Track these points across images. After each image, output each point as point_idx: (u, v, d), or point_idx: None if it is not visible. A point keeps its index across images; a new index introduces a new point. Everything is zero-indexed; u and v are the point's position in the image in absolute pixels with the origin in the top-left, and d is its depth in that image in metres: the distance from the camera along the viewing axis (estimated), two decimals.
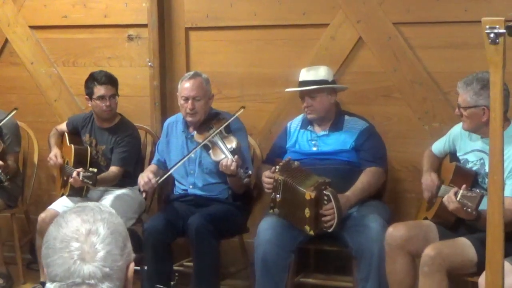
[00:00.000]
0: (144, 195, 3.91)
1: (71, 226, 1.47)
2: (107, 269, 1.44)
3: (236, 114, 3.85)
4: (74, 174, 3.79)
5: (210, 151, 3.77)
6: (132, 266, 1.51)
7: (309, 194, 3.44)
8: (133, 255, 1.53)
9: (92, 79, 4.14)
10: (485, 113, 3.18)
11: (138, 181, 3.87)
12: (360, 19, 4.06)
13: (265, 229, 3.60)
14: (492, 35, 2.11)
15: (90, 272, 1.43)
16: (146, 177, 3.83)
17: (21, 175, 4.54)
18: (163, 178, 3.85)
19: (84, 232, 1.46)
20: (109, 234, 1.47)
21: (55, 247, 1.46)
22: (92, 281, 1.43)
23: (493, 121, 2.21)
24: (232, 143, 3.73)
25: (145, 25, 4.49)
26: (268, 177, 3.66)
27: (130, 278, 1.50)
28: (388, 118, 4.10)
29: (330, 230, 3.48)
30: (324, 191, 3.47)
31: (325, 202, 3.46)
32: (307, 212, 3.46)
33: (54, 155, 4.20)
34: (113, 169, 4.11)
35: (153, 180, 3.79)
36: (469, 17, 3.77)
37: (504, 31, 2.11)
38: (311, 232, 3.50)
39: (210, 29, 4.42)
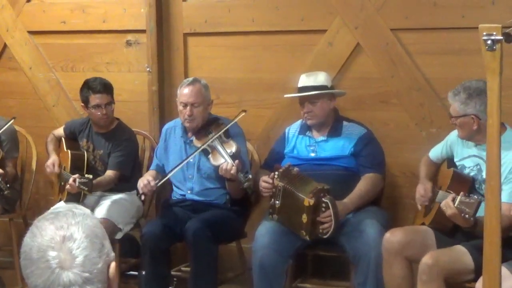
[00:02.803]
0: (142, 197, 3.90)
1: (45, 234, 1.44)
2: (87, 274, 1.42)
3: (237, 118, 3.86)
4: (70, 180, 3.78)
5: (210, 155, 3.77)
6: (113, 265, 1.49)
7: (308, 200, 3.44)
8: (112, 254, 1.50)
9: (87, 88, 4.11)
10: (475, 121, 3.21)
11: (138, 185, 3.87)
12: (358, 25, 4.07)
13: (262, 234, 3.60)
14: (489, 41, 2.12)
15: (70, 279, 1.40)
16: (145, 179, 3.83)
17: (19, 180, 4.54)
18: (162, 181, 3.85)
19: (59, 239, 1.43)
20: (84, 238, 1.44)
21: (32, 258, 1.43)
22: None
23: (490, 127, 2.22)
24: (232, 148, 3.73)
25: (143, 31, 4.50)
26: (265, 181, 3.67)
27: (113, 278, 1.48)
28: (386, 124, 4.11)
29: (325, 237, 3.49)
30: (323, 198, 3.46)
31: (323, 209, 3.46)
32: (304, 217, 3.46)
33: (52, 163, 4.17)
34: (109, 173, 4.11)
35: (153, 183, 3.79)
36: (466, 23, 3.79)
37: (501, 37, 2.11)
38: (307, 237, 3.50)
39: (208, 35, 4.43)
